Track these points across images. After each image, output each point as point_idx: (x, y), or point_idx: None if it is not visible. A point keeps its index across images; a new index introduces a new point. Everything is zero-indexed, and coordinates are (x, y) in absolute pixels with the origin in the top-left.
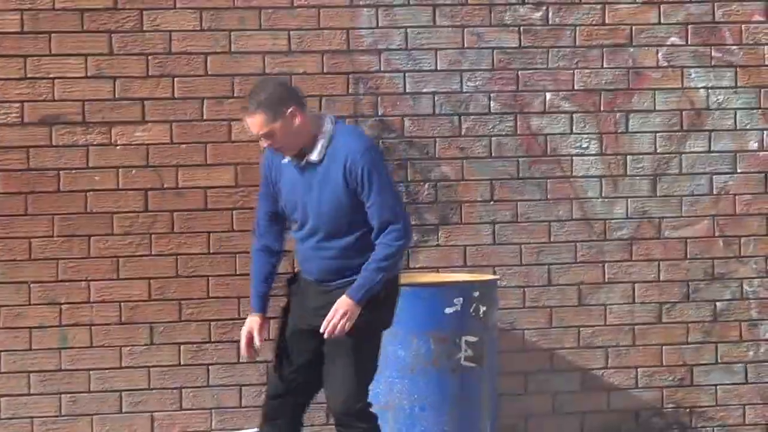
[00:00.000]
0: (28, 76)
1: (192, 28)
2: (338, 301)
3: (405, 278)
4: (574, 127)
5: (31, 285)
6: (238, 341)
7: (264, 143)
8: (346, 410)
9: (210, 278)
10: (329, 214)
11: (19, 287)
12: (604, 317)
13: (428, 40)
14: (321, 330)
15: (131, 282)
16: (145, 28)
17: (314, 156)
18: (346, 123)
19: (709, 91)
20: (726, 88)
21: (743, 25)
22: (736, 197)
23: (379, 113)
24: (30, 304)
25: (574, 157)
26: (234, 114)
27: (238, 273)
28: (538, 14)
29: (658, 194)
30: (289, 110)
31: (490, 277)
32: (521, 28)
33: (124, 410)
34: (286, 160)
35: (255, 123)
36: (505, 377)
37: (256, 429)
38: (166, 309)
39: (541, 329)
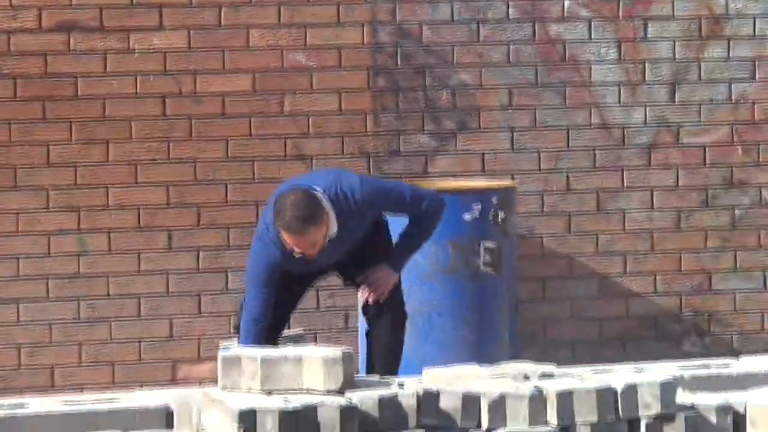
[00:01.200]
0: None
1: None
2: (380, 273)
3: (423, 184)
4: (592, 34)
5: (50, 190)
6: None
7: (307, 252)
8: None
9: (228, 184)
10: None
11: (37, 192)
12: (622, 223)
13: None
14: (367, 299)
15: (150, 187)
16: None
17: (333, 231)
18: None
19: None
20: None
21: None
22: (755, 104)
23: (398, 20)
24: (48, 210)
25: (592, 65)
26: (251, 20)
27: (256, 179)
28: None
29: (676, 101)
30: (326, 214)
31: (509, 183)
32: None
33: (142, 315)
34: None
35: (307, 241)
36: (524, 283)
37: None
38: (185, 214)
39: (560, 236)
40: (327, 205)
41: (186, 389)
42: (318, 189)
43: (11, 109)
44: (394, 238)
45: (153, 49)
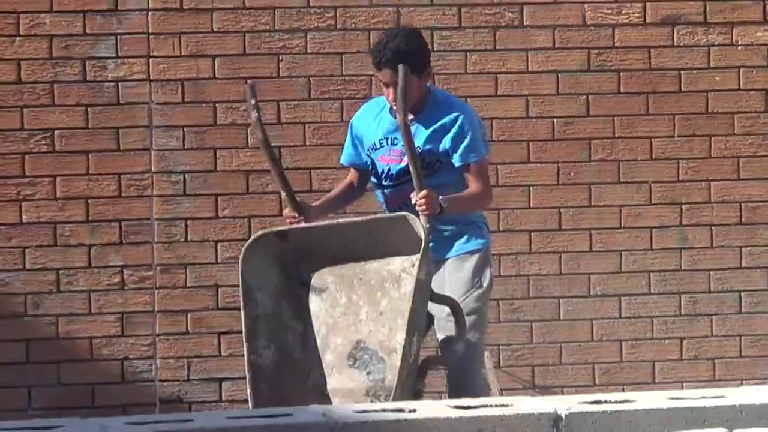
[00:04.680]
0: None
1: None
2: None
3: None
4: None
5: (652, 184)
6: None
7: None
8: None
9: None
10: None
11: (639, 186)
12: None
13: None
14: None
15: (751, 182)
16: None
17: None
18: None
19: None
20: None
21: None
22: None
23: None
24: (650, 204)
25: None
26: None
27: None
28: None
29: None
30: None
31: None
32: None
33: (743, 311)
34: None
35: None
36: None
37: None
38: None
39: None
40: None
41: None
42: None
43: (615, 103)
44: None
45: (756, 42)
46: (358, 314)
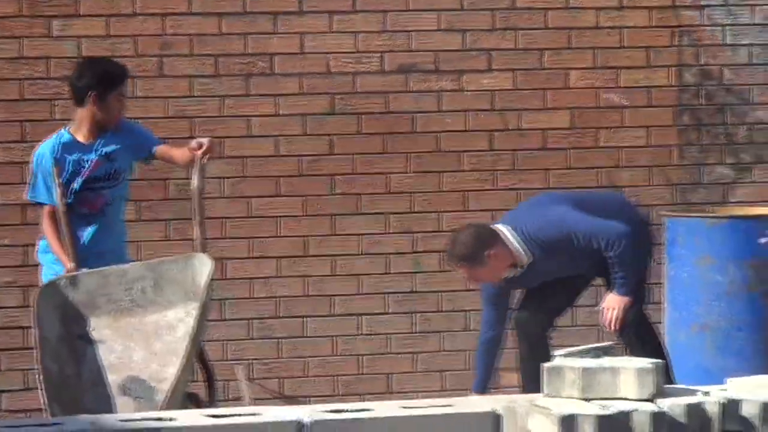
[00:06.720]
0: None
1: None
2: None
3: (723, 211)
4: None
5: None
6: None
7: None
8: None
9: None
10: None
11: (377, 218)
12: None
13: None
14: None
15: (478, 213)
16: None
17: (522, 264)
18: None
19: None
20: None
21: None
22: None
23: (701, 62)
24: (387, 233)
25: None
26: (570, 63)
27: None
28: None
29: None
30: (489, 256)
31: None
32: None
33: (471, 328)
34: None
35: (470, 275)
36: None
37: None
38: None
39: None
40: (511, 244)
41: (512, 396)
42: (506, 226)
43: (356, 143)
44: None
45: (481, 89)
46: (132, 357)
